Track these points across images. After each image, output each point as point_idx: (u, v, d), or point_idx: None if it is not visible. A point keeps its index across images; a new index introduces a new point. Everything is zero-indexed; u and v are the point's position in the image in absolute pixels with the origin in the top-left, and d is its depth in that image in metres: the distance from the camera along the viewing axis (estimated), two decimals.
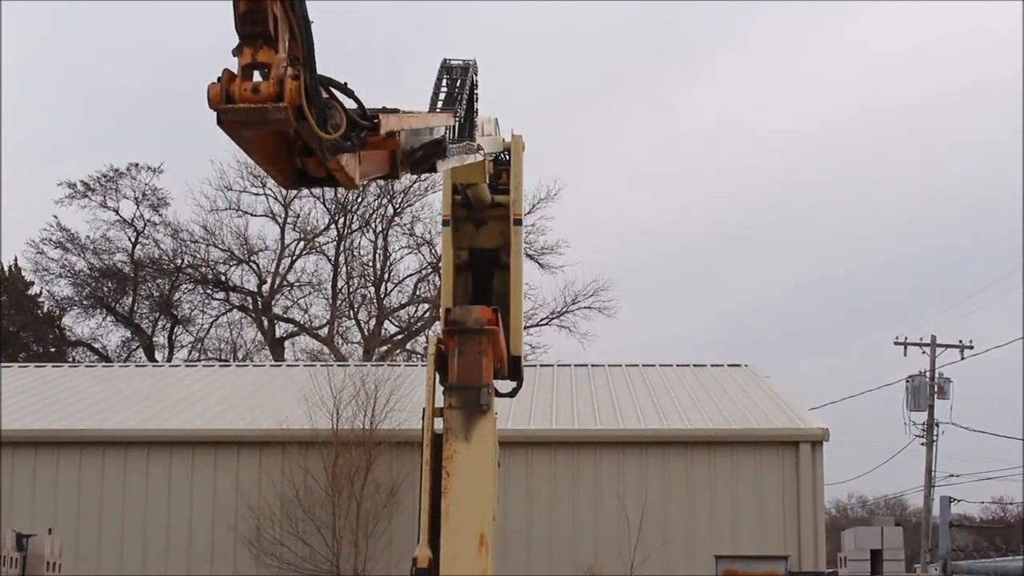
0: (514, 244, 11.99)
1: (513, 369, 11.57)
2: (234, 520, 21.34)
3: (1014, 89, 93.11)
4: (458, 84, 9.40)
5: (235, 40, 4.89)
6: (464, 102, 9.15)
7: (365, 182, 6.11)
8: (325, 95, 5.14)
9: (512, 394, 12.06)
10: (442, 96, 9.17)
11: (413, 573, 9.62)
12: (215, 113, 4.86)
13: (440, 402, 10.16)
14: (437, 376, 10.36)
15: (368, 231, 47.57)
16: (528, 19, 74.37)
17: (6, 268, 49.12)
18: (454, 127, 8.15)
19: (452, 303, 11.31)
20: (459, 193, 11.71)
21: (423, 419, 10.27)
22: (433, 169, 7.10)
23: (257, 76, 4.81)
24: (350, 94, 5.36)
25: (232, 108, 4.79)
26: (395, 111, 6.19)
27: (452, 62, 9.82)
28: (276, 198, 46.46)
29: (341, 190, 46.63)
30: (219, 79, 4.81)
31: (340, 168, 5.53)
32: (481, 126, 9.79)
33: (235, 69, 4.84)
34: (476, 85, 9.84)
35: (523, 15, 74.71)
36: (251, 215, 46.66)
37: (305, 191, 46.12)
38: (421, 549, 9.62)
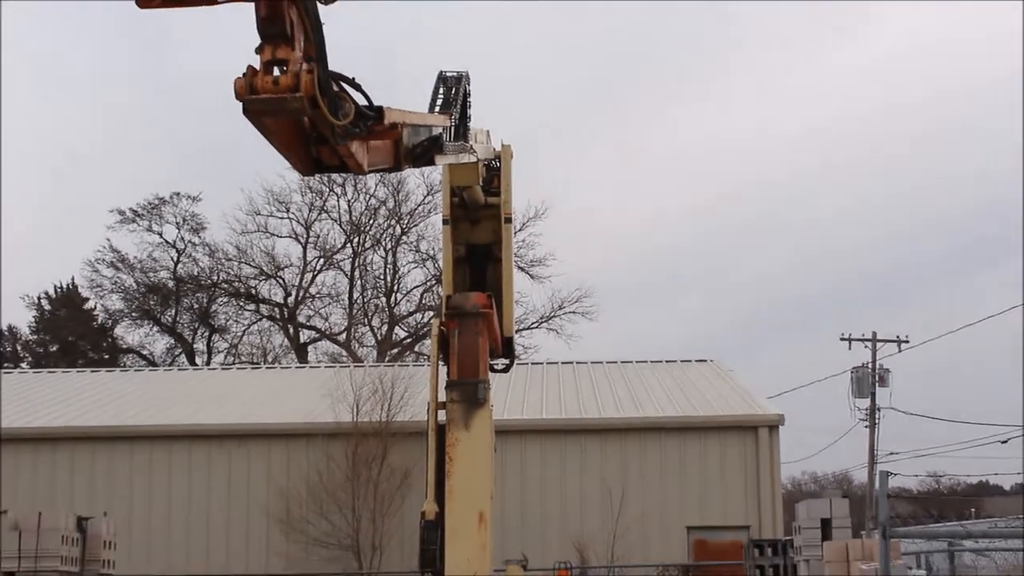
0: (505, 239, 11.97)
1: (506, 347, 11.57)
2: (266, 502, 21.40)
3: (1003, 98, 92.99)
4: (453, 92, 9.37)
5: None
6: (458, 107, 9.12)
7: (372, 171, 6.13)
8: (336, 88, 5.18)
9: (505, 370, 12.01)
10: (439, 103, 9.14)
11: (422, 525, 9.59)
12: (241, 104, 4.88)
13: (442, 389, 10.13)
14: (440, 356, 10.33)
15: (379, 248, 47.82)
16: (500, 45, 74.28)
17: (59, 289, 49.10)
18: (450, 129, 8.17)
19: (452, 291, 11.31)
20: (457, 195, 11.73)
21: (428, 411, 10.27)
22: (431, 162, 7.12)
23: (277, 71, 4.84)
24: (358, 87, 5.39)
25: (255, 99, 4.82)
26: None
27: (447, 73, 9.82)
28: (299, 221, 46.77)
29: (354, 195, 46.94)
30: (244, 74, 4.84)
31: (351, 155, 5.58)
32: (474, 135, 9.78)
33: (258, 66, 4.88)
34: (469, 94, 9.83)
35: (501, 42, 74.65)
36: (277, 236, 47.01)
37: (328, 193, 46.30)
38: (428, 504, 9.58)
